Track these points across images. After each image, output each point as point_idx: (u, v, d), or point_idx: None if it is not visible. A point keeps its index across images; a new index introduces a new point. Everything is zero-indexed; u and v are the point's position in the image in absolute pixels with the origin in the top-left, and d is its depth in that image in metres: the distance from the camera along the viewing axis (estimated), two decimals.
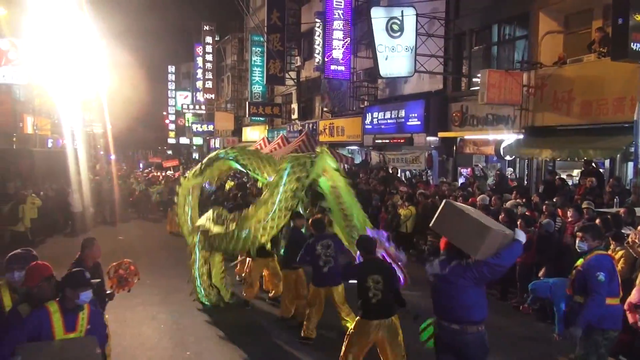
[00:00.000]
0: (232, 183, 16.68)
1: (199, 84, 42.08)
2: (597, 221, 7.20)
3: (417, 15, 14.99)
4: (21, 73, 19.60)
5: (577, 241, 4.98)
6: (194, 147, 51.12)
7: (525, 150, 12.62)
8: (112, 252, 9.54)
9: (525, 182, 13.47)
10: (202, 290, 8.17)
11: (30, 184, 16.26)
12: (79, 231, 15.79)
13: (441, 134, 15.74)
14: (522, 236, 4.30)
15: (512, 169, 14.28)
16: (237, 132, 36.25)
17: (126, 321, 7.43)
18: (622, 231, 6.84)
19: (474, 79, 14.69)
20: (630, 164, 10.76)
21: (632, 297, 5.64)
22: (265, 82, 27.90)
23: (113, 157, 34.33)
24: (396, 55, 14.89)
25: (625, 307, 5.58)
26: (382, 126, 18.14)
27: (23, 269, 4.08)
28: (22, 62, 19.45)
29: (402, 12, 14.98)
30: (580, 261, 4.90)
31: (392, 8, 15.53)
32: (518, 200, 10.17)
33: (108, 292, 5.21)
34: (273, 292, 8.70)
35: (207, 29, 39.94)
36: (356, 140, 20.46)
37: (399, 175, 17.41)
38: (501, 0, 13.97)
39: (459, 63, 15.92)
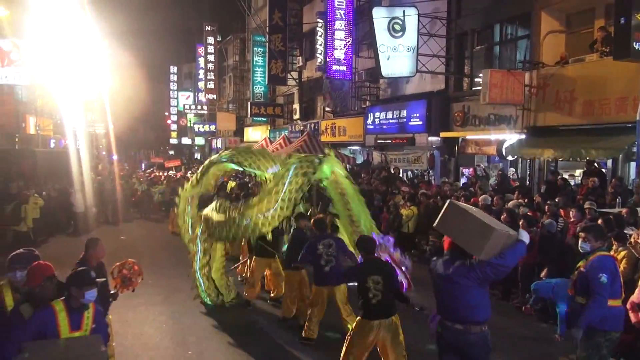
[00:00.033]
0: (234, 183, 16.68)
1: (201, 84, 42.11)
2: (600, 221, 7.19)
3: (418, 15, 14.98)
4: (24, 74, 19.64)
5: (579, 242, 4.94)
6: (196, 148, 51.15)
7: (527, 150, 12.60)
8: (114, 252, 9.54)
9: (528, 182, 13.45)
10: (203, 284, 8.12)
11: (33, 184, 16.29)
12: (81, 231, 15.81)
13: (443, 134, 15.73)
14: (525, 237, 4.30)
15: (514, 169, 14.26)
16: (239, 132, 36.27)
17: (128, 321, 7.44)
18: (625, 231, 6.82)
19: (476, 79, 14.68)
20: (633, 164, 10.73)
21: (635, 297, 5.62)
22: (267, 83, 27.92)
23: (115, 157, 34.38)
24: (398, 55, 14.88)
25: (628, 306, 5.57)
26: (384, 126, 18.13)
27: (25, 268, 4.10)
28: (25, 63, 19.48)
29: (403, 12, 14.97)
30: (582, 262, 4.87)
31: (394, 8, 15.52)
32: (520, 200, 10.15)
33: (112, 292, 5.23)
34: (274, 293, 8.70)
35: (209, 29, 40.00)
36: (358, 141, 20.45)
37: (400, 175, 17.40)
38: (503, 0, 13.96)
39: (461, 63, 15.91)
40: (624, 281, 5.57)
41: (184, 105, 49.18)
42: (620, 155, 10.92)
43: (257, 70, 29.65)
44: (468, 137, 15.19)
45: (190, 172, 26.65)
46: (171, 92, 51.88)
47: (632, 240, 6.50)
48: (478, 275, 4.20)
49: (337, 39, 19.81)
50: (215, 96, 40.83)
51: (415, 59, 14.96)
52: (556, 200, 9.40)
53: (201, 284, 8.14)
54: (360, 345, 5.23)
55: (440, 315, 4.45)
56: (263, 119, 30.34)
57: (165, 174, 28.37)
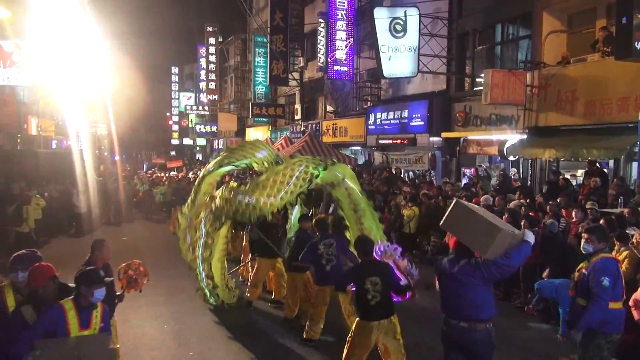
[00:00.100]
0: (235, 184, 16.68)
1: (202, 85, 42.16)
2: (602, 221, 7.18)
3: (420, 15, 14.98)
4: (25, 75, 19.66)
5: (582, 243, 4.90)
6: (197, 148, 51.22)
7: (528, 151, 12.58)
8: (116, 253, 9.47)
9: (529, 183, 13.44)
10: (202, 273, 8.05)
11: (35, 185, 16.31)
12: (84, 232, 15.86)
13: (444, 134, 15.72)
14: (531, 237, 4.32)
15: (515, 169, 14.25)
16: (240, 132, 36.30)
17: (130, 321, 7.44)
18: (627, 231, 6.81)
19: (477, 79, 14.67)
20: (635, 164, 10.72)
21: (638, 294, 5.61)
22: (268, 83, 27.92)
23: (117, 158, 34.43)
24: (399, 55, 14.88)
25: (631, 303, 5.56)
26: (385, 126, 18.13)
27: (27, 269, 4.10)
28: (27, 64, 19.50)
29: (405, 12, 14.97)
30: (584, 263, 4.82)
31: (395, 8, 15.52)
32: (522, 200, 10.14)
33: (117, 293, 5.24)
34: (275, 295, 8.68)
35: (210, 30, 40.04)
36: (359, 141, 20.45)
37: (402, 175, 17.40)
38: (504, 0, 13.95)
39: (462, 63, 15.90)
40: (626, 281, 5.57)
41: (185, 105, 49.23)
42: (622, 156, 10.90)
43: (259, 71, 29.67)
44: (469, 137, 15.18)
45: (191, 172, 26.71)
46: (172, 92, 51.93)
47: (634, 240, 6.50)
48: (483, 275, 4.24)
49: (339, 40, 19.81)
50: (216, 97, 40.86)
51: (417, 59, 14.95)
52: (558, 200, 9.39)
53: (203, 279, 8.06)
54: (361, 346, 5.24)
55: (444, 314, 4.47)
56: (264, 119, 30.37)
57: (167, 175, 28.43)
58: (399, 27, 14.89)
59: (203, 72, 41.59)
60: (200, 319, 7.86)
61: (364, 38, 19.55)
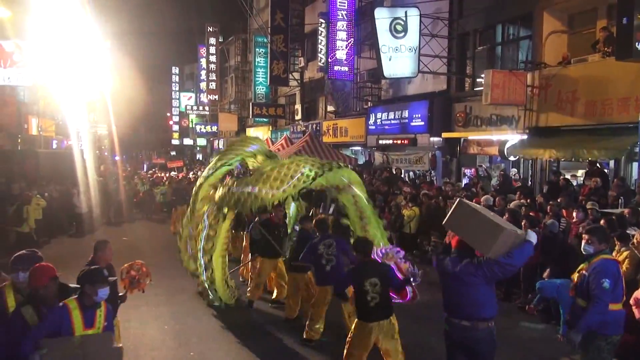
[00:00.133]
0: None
1: (203, 85, 42.16)
2: (602, 222, 7.19)
3: (420, 15, 14.98)
4: (26, 75, 19.67)
5: (582, 244, 4.87)
6: (198, 148, 51.22)
7: (529, 151, 12.58)
8: (117, 253, 9.47)
9: (530, 183, 13.44)
10: (203, 265, 8.02)
11: (35, 185, 16.31)
12: (84, 232, 15.87)
13: (445, 135, 15.72)
14: (533, 237, 4.35)
15: (516, 170, 14.25)
16: (241, 133, 36.30)
17: (130, 321, 7.44)
18: (627, 231, 6.81)
19: (478, 79, 14.67)
20: (635, 164, 10.72)
21: (639, 292, 5.60)
22: (268, 83, 27.93)
23: (117, 158, 34.43)
24: (400, 55, 14.88)
25: (632, 301, 5.55)
26: (386, 127, 18.13)
27: (28, 270, 4.10)
28: (27, 64, 19.51)
29: (405, 12, 14.97)
30: (584, 264, 4.80)
31: (396, 8, 15.53)
32: (522, 200, 10.14)
33: (120, 294, 5.25)
34: (276, 294, 8.68)
35: (211, 30, 40.05)
36: (360, 141, 20.45)
37: (402, 175, 17.40)
38: (505, 0, 13.95)
39: (463, 63, 15.90)
40: (627, 281, 5.56)
41: (185, 106, 49.25)
42: (623, 156, 10.90)
43: (259, 71, 29.68)
44: (470, 137, 15.17)
45: (192, 172, 26.72)
46: (173, 92, 51.96)
47: (635, 241, 6.49)
48: (486, 274, 4.26)
49: (339, 40, 19.82)
50: (217, 97, 40.86)
51: (417, 59, 14.95)
52: (558, 200, 9.39)
53: (203, 272, 8.02)
54: (360, 346, 5.25)
55: (446, 313, 4.49)
56: (265, 119, 30.38)
57: (167, 175, 28.44)
58: (399, 28, 14.89)
59: (203, 72, 41.60)
60: (200, 319, 7.86)
61: (365, 38, 19.55)
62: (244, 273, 10.00)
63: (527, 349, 6.81)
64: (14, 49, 19.40)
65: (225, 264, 8.43)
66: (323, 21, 20.43)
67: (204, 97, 42.64)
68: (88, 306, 3.95)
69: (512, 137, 13.19)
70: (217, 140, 42.09)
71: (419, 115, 16.39)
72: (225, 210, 7.80)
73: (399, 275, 5.40)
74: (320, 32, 20.74)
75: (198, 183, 8.63)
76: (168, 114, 55.26)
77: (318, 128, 23.28)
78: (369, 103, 19.90)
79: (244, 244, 9.99)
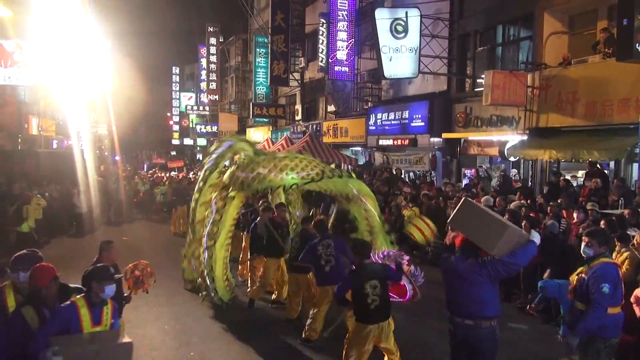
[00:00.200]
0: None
1: (203, 85, 42.17)
2: (602, 222, 7.19)
3: (421, 16, 14.99)
4: (27, 74, 19.68)
5: (582, 246, 4.85)
6: (198, 148, 51.19)
7: (529, 151, 12.59)
8: (117, 253, 9.56)
9: (530, 183, 13.44)
10: (205, 253, 7.99)
11: (36, 185, 16.32)
12: (85, 232, 15.88)
13: (445, 135, 15.72)
14: (537, 237, 4.39)
15: (516, 170, 14.25)
16: (241, 133, 36.23)
17: (130, 321, 7.42)
18: (628, 232, 6.81)
19: (478, 80, 14.68)
20: (636, 165, 10.73)
21: (639, 291, 5.59)
22: (269, 83, 27.93)
23: (118, 158, 34.45)
24: (400, 56, 14.89)
25: (632, 299, 5.54)
26: (386, 127, 18.14)
27: (28, 270, 4.09)
28: (28, 64, 19.52)
29: (406, 13, 14.97)
30: (584, 267, 4.77)
31: (396, 9, 15.53)
32: (522, 201, 10.15)
33: (125, 294, 5.26)
34: (276, 295, 8.68)
35: (211, 30, 40.05)
36: (360, 142, 20.46)
37: (402, 176, 17.40)
38: (505, 1, 13.95)
39: (463, 64, 15.90)
40: (627, 282, 5.57)
41: (186, 106, 49.25)
42: (623, 157, 10.89)
43: (259, 71, 29.68)
44: (470, 138, 15.18)
45: (192, 173, 26.72)
46: (173, 92, 51.98)
47: (635, 242, 6.49)
48: (490, 273, 4.31)
49: (340, 40, 19.82)
50: (217, 97, 40.85)
51: (418, 60, 14.95)
52: (559, 201, 9.40)
53: (204, 260, 7.99)
54: (359, 349, 5.25)
55: (450, 312, 4.52)
56: (265, 119, 30.37)
57: (168, 175, 28.45)
58: (400, 28, 14.89)
59: (204, 72, 41.60)
60: (201, 319, 7.86)
61: (365, 39, 19.56)
62: (244, 273, 9.99)
63: (527, 349, 6.81)
64: (14, 48, 19.41)
65: (227, 257, 8.40)
66: (324, 21, 20.44)
67: (204, 97, 42.64)
68: (95, 304, 3.99)
69: (513, 138, 13.19)
70: (217, 140, 42.05)
71: (419, 116, 16.40)
72: (232, 192, 7.78)
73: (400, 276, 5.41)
74: (320, 32, 20.75)
75: (195, 197, 8.76)
76: (168, 114, 55.28)
77: (318, 128, 23.28)
78: (369, 103, 19.90)
79: (243, 244, 9.98)
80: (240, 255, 10.20)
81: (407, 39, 14.91)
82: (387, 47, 14.82)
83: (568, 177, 11.96)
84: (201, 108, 44.67)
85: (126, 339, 3.90)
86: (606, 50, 10.95)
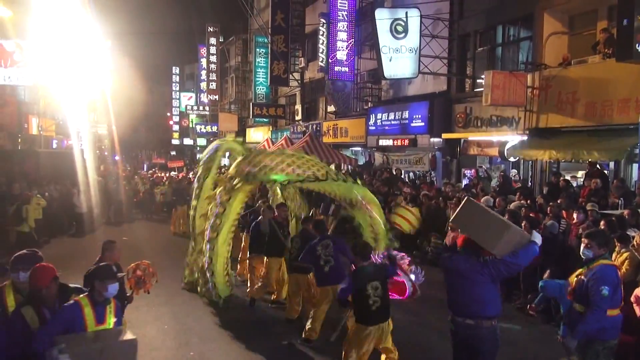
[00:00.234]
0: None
1: (203, 85, 42.17)
2: (602, 223, 7.19)
3: (421, 16, 14.99)
4: (26, 74, 19.69)
5: (582, 247, 4.84)
6: (198, 148, 51.15)
7: (529, 152, 12.59)
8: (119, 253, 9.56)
9: (530, 184, 13.44)
10: (208, 245, 8.04)
11: (36, 185, 16.32)
12: (85, 232, 15.87)
13: (445, 135, 15.73)
14: (538, 238, 4.41)
15: (516, 171, 14.25)
16: (241, 133, 36.30)
17: (130, 321, 7.38)
18: (627, 233, 6.81)
19: (478, 80, 14.67)
20: (635, 166, 10.73)
21: (639, 290, 5.59)
22: (269, 84, 27.95)
23: (117, 157, 34.44)
24: (400, 56, 14.89)
25: (632, 299, 5.54)
26: (386, 127, 18.14)
27: (28, 270, 4.09)
28: (28, 64, 19.53)
29: (406, 13, 14.98)
30: (583, 269, 4.75)
31: (396, 9, 15.54)
32: (522, 201, 10.15)
33: (127, 294, 5.27)
34: (276, 295, 8.68)
35: (211, 30, 40.05)
36: (360, 142, 20.46)
37: (402, 176, 17.40)
38: (505, 1, 13.95)
39: (463, 64, 15.90)
40: (626, 283, 5.57)
41: (186, 106, 49.26)
42: (623, 157, 10.90)
43: (259, 71, 29.69)
44: (470, 138, 15.18)
45: (192, 172, 26.72)
46: (173, 92, 51.99)
47: (635, 243, 6.49)
48: (492, 273, 4.34)
49: (340, 40, 19.83)
50: (217, 97, 40.86)
51: (418, 60, 14.96)
52: (558, 201, 9.39)
53: (206, 253, 8.03)
54: (360, 350, 5.25)
55: (451, 312, 4.54)
56: (265, 120, 30.37)
57: (167, 175, 28.45)
58: (400, 28, 14.90)
59: (204, 72, 41.61)
60: (201, 319, 7.86)
61: (365, 39, 19.56)
62: (243, 272, 9.99)
63: (526, 349, 6.82)
64: (14, 48, 19.43)
65: (228, 252, 8.41)
66: (324, 21, 20.44)
67: (204, 97, 42.64)
68: (99, 303, 4.02)
69: (512, 138, 13.19)
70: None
71: (419, 116, 16.40)
72: (237, 183, 7.82)
73: (401, 274, 5.42)
74: (320, 32, 20.75)
75: (192, 209, 8.97)
76: (168, 114, 55.29)
77: (318, 128, 23.28)
78: (369, 104, 19.90)
79: (242, 244, 9.99)
80: (240, 255, 10.20)
81: (407, 39, 14.91)
82: (387, 47, 14.83)
83: (568, 177, 11.96)
84: (201, 108, 44.67)
85: (130, 336, 3.93)
86: (606, 50, 10.95)
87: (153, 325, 7.58)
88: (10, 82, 19.97)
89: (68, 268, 8.02)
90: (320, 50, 20.76)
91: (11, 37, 19.81)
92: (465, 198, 4.91)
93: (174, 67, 51.79)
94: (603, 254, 4.72)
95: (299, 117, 26.87)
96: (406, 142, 17.28)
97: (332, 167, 11.09)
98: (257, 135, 32.58)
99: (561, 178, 11.60)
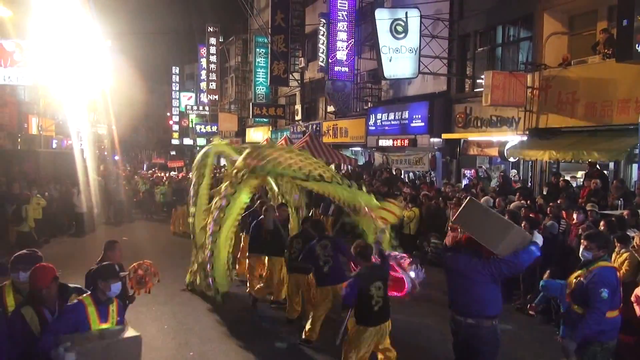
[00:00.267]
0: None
1: (203, 85, 42.16)
2: (602, 223, 7.19)
3: (421, 16, 15.00)
4: (26, 74, 19.67)
5: (581, 249, 4.83)
6: (198, 148, 50.99)
7: (529, 152, 12.59)
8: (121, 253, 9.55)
9: (529, 184, 13.44)
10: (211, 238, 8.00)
11: (36, 185, 16.32)
12: (85, 232, 15.87)
13: (445, 136, 15.73)
14: (540, 239, 4.45)
15: (515, 171, 14.26)
16: (241, 133, 36.32)
17: (130, 321, 7.36)
18: (627, 233, 6.81)
19: (478, 81, 14.68)
20: (635, 166, 10.73)
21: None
22: (269, 84, 27.95)
23: (117, 157, 34.43)
24: (400, 56, 14.90)
25: (633, 298, 5.54)
26: (386, 127, 18.14)
27: (28, 269, 4.09)
28: (27, 64, 19.51)
29: (406, 13, 14.99)
30: (582, 271, 4.72)
31: (396, 9, 15.54)
32: (522, 201, 10.15)
33: (130, 294, 5.26)
34: (276, 295, 8.66)
35: (211, 30, 40.04)
36: (360, 142, 20.46)
37: (402, 176, 17.41)
38: (505, 2, 13.96)
39: (463, 64, 15.91)
40: (625, 283, 5.57)
41: (185, 106, 49.23)
42: (623, 158, 10.90)
43: (259, 71, 29.69)
44: (470, 138, 15.18)
45: (192, 172, 26.69)
46: (173, 92, 51.97)
47: (635, 244, 6.49)
48: (493, 272, 4.38)
49: (340, 40, 19.83)
50: (217, 97, 40.85)
51: (418, 60, 14.96)
52: (558, 202, 9.39)
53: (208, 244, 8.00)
54: (360, 351, 5.25)
55: (452, 311, 4.57)
56: (265, 119, 30.38)
57: (167, 175, 28.44)
58: (399, 28, 14.90)
59: (204, 72, 41.59)
60: (200, 319, 7.86)
61: (365, 39, 19.56)
62: (244, 272, 9.98)
63: (526, 349, 6.81)
64: (14, 48, 19.40)
65: (230, 247, 8.41)
66: (323, 21, 20.45)
67: (204, 97, 42.63)
68: (102, 302, 4.05)
69: (512, 138, 13.20)
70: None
71: (419, 116, 16.40)
72: (244, 174, 7.81)
73: (399, 270, 5.44)
74: (320, 32, 20.76)
75: (191, 222, 9.14)
76: (168, 114, 55.28)
77: (318, 128, 23.28)
78: (369, 104, 19.91)
79: (241, 245, 9.98)
80: (239, 255, 10.20)
81: (407, 39, 14.92)
82: (387, 47, 14.83)
83: (568, 177, 11.96)
84: (201, 108, 44.65)
85: (134, 333, 3.97)
86: (606, 50, 10.96)
87: (153, 325, 7.58)
88: (10, 82, 19.95)
89: (68, 268, 8.01)
90: (320, 50, 20.76)
91: (11, 36, 19.80)
92: (469, 198, 4.94)
93: (173, 67, 51.77)
94: (602, 256, 4.70)
95: (298, 117, 26.87)
96: (406, 142, 17.28)
97: (332, 167, 11.12)
98: (257, 135, 32.57)
99: (561, 178, 11.61)
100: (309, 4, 25.47)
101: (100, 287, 4.06)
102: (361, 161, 21.06)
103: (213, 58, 40.13)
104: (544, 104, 12.50)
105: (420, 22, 15.00)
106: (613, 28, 10.67)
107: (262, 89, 30.09)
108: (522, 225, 7.79)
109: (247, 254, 9.05)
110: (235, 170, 7.96)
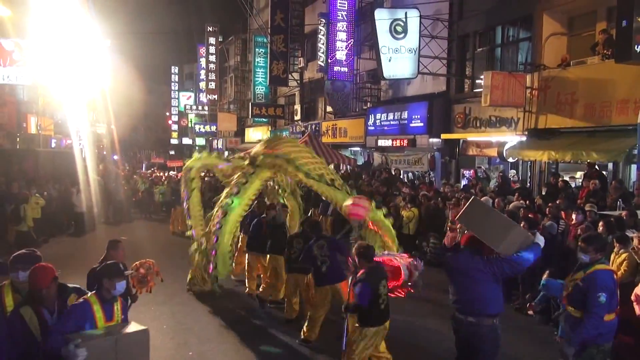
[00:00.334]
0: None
1: (202, 84, 42.16)
2: (601, 224, 7.20)
3: (420, 17, 15.01)
4: (25, 73, 19.66)
5: (578, 251, 4.81)
6: (197, 148, 51.07)
7: (528, 152, 12.61)
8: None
9: (528, 184, 13.46)
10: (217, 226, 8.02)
11: (35, 184, 16.30)
12: (84, 231, 15.85)
13: (444, 136, 15.74)
14: (541, 240, 4.49)
15: (514, 171, 14.28)
16: (240, 133, 36.31)
17: (129, 321, 7.44)
18: (627, 233, 6.82)
19: (477, 81, 14.69)
20: (634, 167, 10.74)
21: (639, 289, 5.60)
22: (268, 83, 27.96)
23: (116, 157, 34.39)
24: (399, 56, 14.91)
25: (633, 297, 5.55)
26: (385, 127, 18.15)
27: (28, 269, 4.08)
28: (27, 63, 19.51)
29: (405, 13, 15.00)
30: (580, 274, 4.69)
31: (396, 10, 15.55)
32: (521, 202, 10.16)
33: (133, 293, 5.27)
34: (272, 295, 8.65)
35: (211, 30, 40.05)
36: (359, 142, 20.47)
37: (401, 176, 17.41)
38: (505, 2, 13.97)
39: (463, 65, 15.92)
40: (624, 284, 5.58)
41: (185, 105, 49.26)
42: (622, 158, 10.91)
43: (259, 71, 29.69)
44: (469, 138, 15.20)
45: (181, 189, 26.63)
46: (172, 92, 51.98)
47: (635, 246, 6.49)
48: (495, 272, 4.42)
49: (339, 40, 19.84)
50: (216, 97, 40.86)
51: (417, 60, 14.97)
52: (557, 202, 9.41)
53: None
54: (361, 352, 5.24)
55: (453, 310, 4.59)
56: (264, 119, 30.38)
57: (166, 174, 28.43)
58: (399, 29, 14.92)
59: (203, 72, 41.60)
60: (200, 319, 7.87)
61: (365, 39, 19.57)
62: (244, 272, 9.97)
63: (525, 350, 6.82)
64: (13, 47, 19.40)
65: (233, 238, 8.40)
66: (323, 21, 20.45)
67: (203, 97, 42.63)
68: (107, 300, 4.06)
69: (511, 139, 13.21)
70: (215, 140, 42.10)
71: (419, 116, 16.41)
72: (259, 163, 7.96)
73: (401, 266, 5.47)
74: (320, 32, 20.76)
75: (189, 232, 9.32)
76: (167, 114, 55.28)
77: (317, 128, 23.28)
78: (369, 104, 19.91)
79: (239, 245, 9.98)
80: (236, 254, 10.19)
81: (406, 39, 14.93)
82: (386, 47, 14.84)
83: (566, 178, 11.98)
84: (200, 108, 44.67)
85: (141, 327, 4.01)
86: (605, 51, 10.97)
87: (151, 325, 7.47)
88: (9, 81, 19.94)
89: (67, 267, 8.02)
90: (320, 50, 20.76)
91: (10, 36, 19.77)
92: (472, 197, 4.99)
93: (173, 67, 51.78)
94: (600, 259, 4.67)
95: (298, 117, 26.86)
96: (405, 142, 17.29)
97: (331, 167, 11.12)
98: (256, 135, 32.57)
99: (560, 179, 11.62)
100: (309, 4, 25.47)
101: (106, 285, 4.07)
102: (360, 161, 21.07)
103: (212, 58, 40.13)
104: (543, 105, 12.51)
105: (420, 22, 15.01)
106: (612, 29, 10.68)
107: (262, 88, 30.10)
108: (521, 225, 7.80)
109: (247, 253, 9.06)
110: (248, 159, 8.11)
